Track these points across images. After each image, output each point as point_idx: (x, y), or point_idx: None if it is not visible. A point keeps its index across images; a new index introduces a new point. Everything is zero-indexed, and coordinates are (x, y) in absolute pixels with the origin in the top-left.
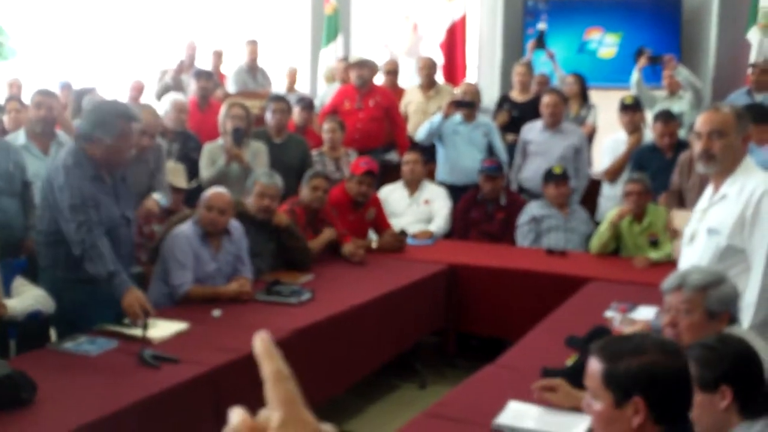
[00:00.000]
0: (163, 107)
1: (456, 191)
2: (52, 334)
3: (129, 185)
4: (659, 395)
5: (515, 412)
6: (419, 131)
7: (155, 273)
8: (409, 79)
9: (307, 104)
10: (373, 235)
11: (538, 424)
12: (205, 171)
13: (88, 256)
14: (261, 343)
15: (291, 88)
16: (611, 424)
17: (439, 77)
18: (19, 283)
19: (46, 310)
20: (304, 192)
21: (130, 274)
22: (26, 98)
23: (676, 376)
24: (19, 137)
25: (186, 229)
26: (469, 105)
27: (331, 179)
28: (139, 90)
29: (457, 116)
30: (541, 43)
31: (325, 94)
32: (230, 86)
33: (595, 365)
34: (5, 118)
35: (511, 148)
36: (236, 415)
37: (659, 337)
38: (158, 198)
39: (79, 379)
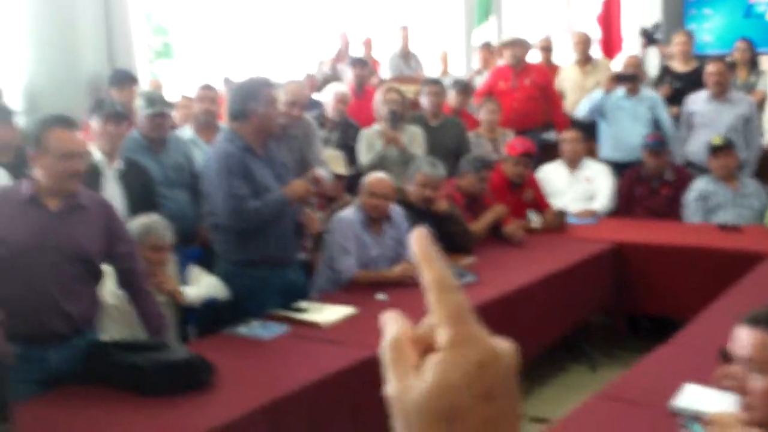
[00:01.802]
0: (324, 98)
1: (620, 168)
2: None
3: (283, 161)
4: None
5: (692, 394)
6: (579, 108)
7: (321, 260)
8: (564, 56)
9: (462, 87)
10: (533, 216)
11: (717, 409)
12: (364, 156)
13: (251, 222)
14: (419, 245)
15: (445, 72)
16: None
17: (596, 52)
18: (194, 272)
19: (220, 296)
20: (470, 180)
21: (298, 255)
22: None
23: None
24: (186, 131)
25: (349, 215)
26: (631, 78)
27: (490, 161)
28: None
29: (620, 91)
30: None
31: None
32: (384, 72)
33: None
34: (176, 114)
35: (674, 121)
36: (393, 323)
37: None
38: (322, 172)
39: (253, 363)
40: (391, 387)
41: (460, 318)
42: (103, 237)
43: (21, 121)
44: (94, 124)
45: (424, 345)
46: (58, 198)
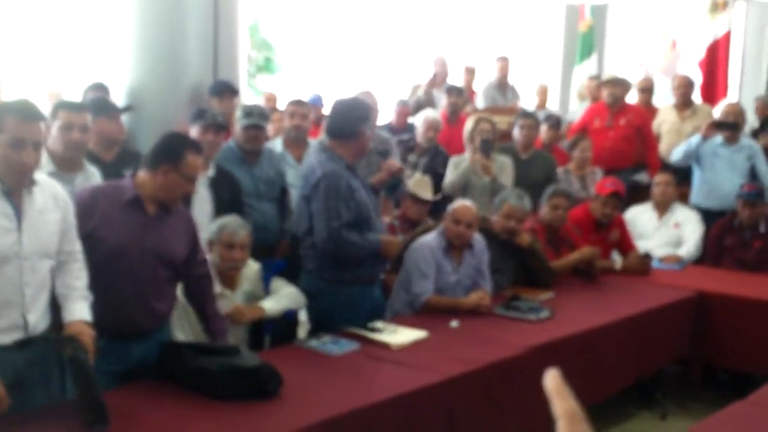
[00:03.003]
0: (417, 122)
1: (711, 216)
2: (300, 331)
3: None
4: None
5: None
6: (675, 152)
7: (397, 281)
8: (663, 98)
9: (554, 122)
10: (616, 257)
11: None
12: (450, 175)
13: (343, 251)
14: (552, 381)
15: (542, 105)
16: None
17: (696, 97)
18: (277, 283)
19: (297, 308)
20: (545, 210)
21: (384, 269)
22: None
23: None
24: (276, 145)
25: (430, 240)
26: (732, 126)
27: (576, 198)
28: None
29: (718, 138)
30: None
31: (575, 111)
32: (480, 102)
33: None
34: (269, 128)
35: None
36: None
37: None
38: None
39: (321, 377)
40: None
41: None
42: (187, 244)
43: (125, 120)
44: (194, 131)
45: None
46: (156, 204)
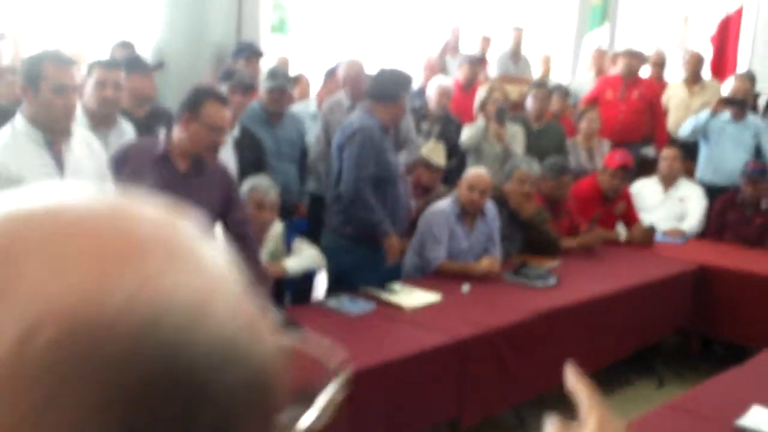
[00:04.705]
0: (428, 90)
1: (715, 192)
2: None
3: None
4: None
5: (760, 416)
6: (683, 127)
7: (410, 245)
8: (674, 73)
9: (563, 92)
10: (621, 229)
11: None
12: (466, 134)
13: (358, 206)
14: (572, 376)
15: (545, 74)
16: None
17: (706, 72)
18: (298, 243)
19: (318, 268)
20: (548, 186)
21: (404, 229)
22: (296, 73)
23: None
24: (311, 105)
25: (444, 206)
26: (739, 103)
27: (583, 169)
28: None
29: (726, 114)
30: None
31: (582, 83)
32: (492, 71)
33: None
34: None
35: None
36: (552, 427)
37: None
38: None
39: (339, 335)
40: None
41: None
42: (221, 201)
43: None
44: (222, 91)
45: None
46: (187, 160)
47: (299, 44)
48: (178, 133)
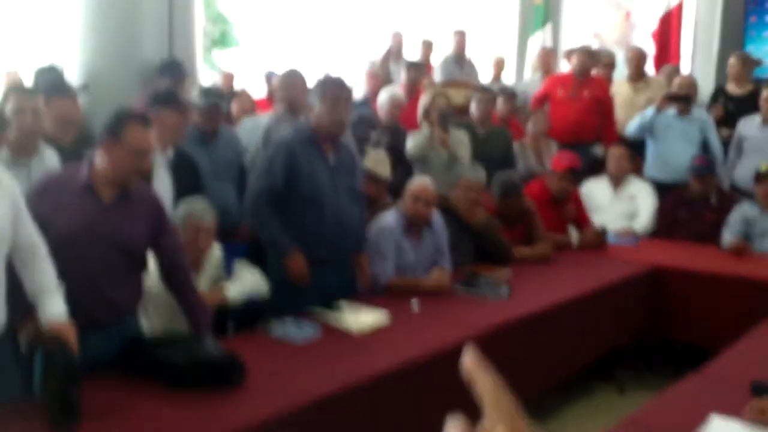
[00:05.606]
0: (379, 100)
1: (663, 188)
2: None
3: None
4: None
5: (718, 427)
6: (630, 125)
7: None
8: (617, 71)
9: (509, 94)
10: (573, 231)
11: None
12: (411, 143)
13: (255, 221)
14: (470, 358)
15: (497, 78)
16: None
17: (649, 68)
18: (239, 266)
19: (261, 295)
20: (498, 203)
21: (359, 249)
22: (241, 87)
23: None
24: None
25: (390, 219)
26: (685, 99)
27: (532, 172)
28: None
29: (671, 110)
30: None
31: (529, 84)
32: (436, 76)
33: None
34: (234, 107)
35: (725, 144)
36: (454, 426)
37: None
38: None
39: (284, 364)
40: None
41: (514, 416)
42: (149, 229)
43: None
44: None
45: None
46: (113, 188)
47: (247, 57)
48: (100, 159)
